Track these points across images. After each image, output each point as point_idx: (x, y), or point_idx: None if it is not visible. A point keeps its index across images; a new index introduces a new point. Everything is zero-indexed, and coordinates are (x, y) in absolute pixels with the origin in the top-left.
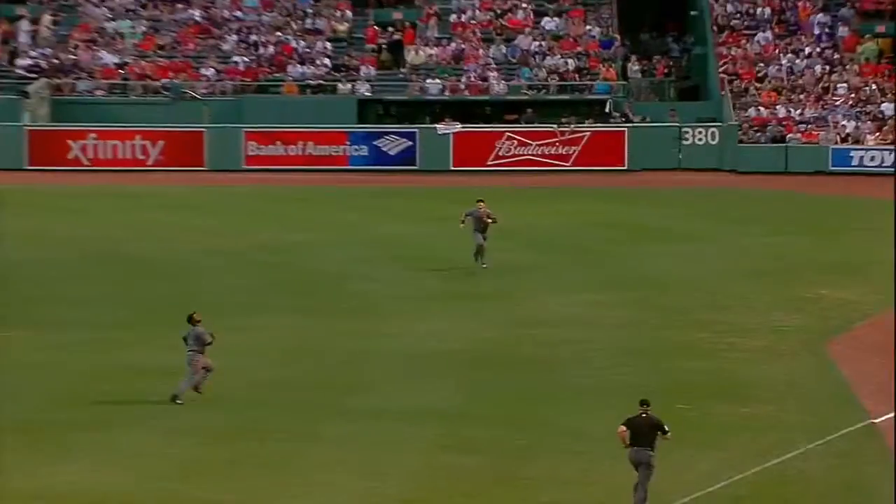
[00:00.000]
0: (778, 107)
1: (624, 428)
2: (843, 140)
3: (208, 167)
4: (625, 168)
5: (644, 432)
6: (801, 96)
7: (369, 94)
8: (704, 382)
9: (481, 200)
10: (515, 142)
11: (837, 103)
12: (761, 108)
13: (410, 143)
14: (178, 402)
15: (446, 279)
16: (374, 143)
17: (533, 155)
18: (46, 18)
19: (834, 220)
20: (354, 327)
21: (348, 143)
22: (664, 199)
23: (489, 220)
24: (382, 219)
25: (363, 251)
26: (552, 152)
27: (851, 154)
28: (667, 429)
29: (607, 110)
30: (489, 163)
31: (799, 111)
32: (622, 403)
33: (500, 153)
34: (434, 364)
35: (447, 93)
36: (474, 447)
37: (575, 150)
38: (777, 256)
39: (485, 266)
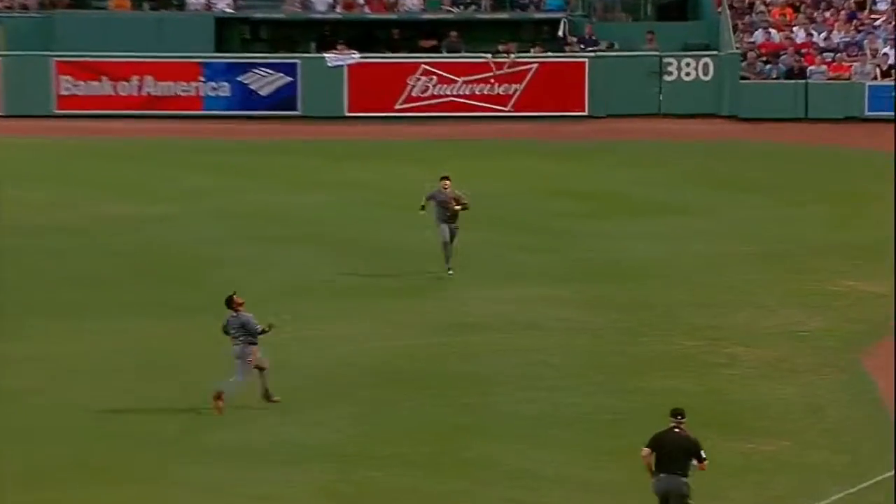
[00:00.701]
0: (795, 29)
1: (648, 450)
2: (885, 74)
3: (4, 112)
4: (585, 114)
5: (676, 454)
6: (827, 14)
7: (231, 10)
8: (695, 409)
9: (446, 177)
10: (434, 78)
11: (877, 23)
12: (772, 31)
13: (289, 79)
14: (221, 402)
15: (347, 268)
16: (239, 79)
17: (459, 96)
18: None
19: (870, 185)
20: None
21: (203, 78)
22: (639, 156)
23: (458, 207)
24: (254, 184)
25: (231, 229)
26: (485, 92)
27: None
28: (703, 455)
29: (561, 34)
30: (398, 107)
31: (824, 35)
32: (581, 438)
33: (414, 93)
34: (329, 384)
35: (339, 9)
36: (376, 496)
37: (517, 90)
38: (792, 236)
39: (450, 273)
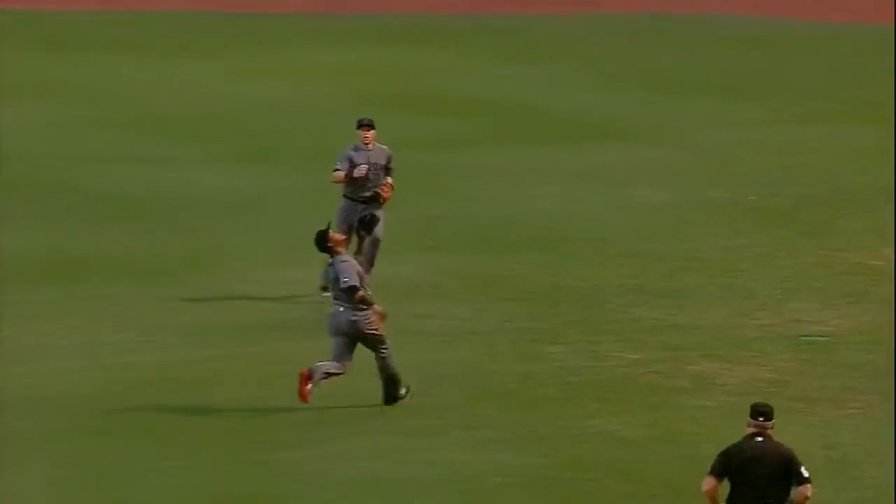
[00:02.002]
0: None
1: (713, 481)
2: None
3: None
4: None
5: (761, 476)
6: None
7: None
8: (641, 465)
9: (367, 125)
10: None
11: None
12: None
13: None
14: (402, 394)
15: (39, 231)
16: None
17: None
18: None
19: None
20: None
21: None
22: (540, 40)
23: (389, 182)
24: None
25: None
26: None
27: None
28: (806, 474)
29: None
30: None
31: None
32: None
33: None
34: (27, 430)
35: None
36: None
37: None
38: (804, 175)
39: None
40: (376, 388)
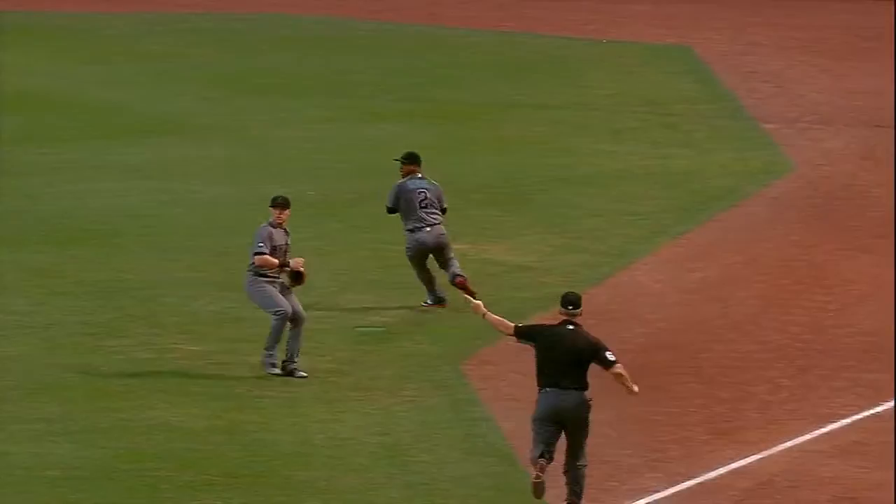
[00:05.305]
0: None
1: (514, 334)
2: None
3: None
4: None
5: (567, 361)
6: None
7: None
8: (200, 454)
9: (282, 203)
10: None
11: None
12: None
13: None
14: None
15: None
16: None
17: None
18: None
19: (505, 86)
20: None
21: None
22: (104, 37)
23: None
24: None
25: None
26: None
27: None
28: (612, 358)
29: None
30: None
31: None
32: None
33: None
34: None
35: None
36: None
37: None
38: (362, 170)
39: (303, 375)
40: None
